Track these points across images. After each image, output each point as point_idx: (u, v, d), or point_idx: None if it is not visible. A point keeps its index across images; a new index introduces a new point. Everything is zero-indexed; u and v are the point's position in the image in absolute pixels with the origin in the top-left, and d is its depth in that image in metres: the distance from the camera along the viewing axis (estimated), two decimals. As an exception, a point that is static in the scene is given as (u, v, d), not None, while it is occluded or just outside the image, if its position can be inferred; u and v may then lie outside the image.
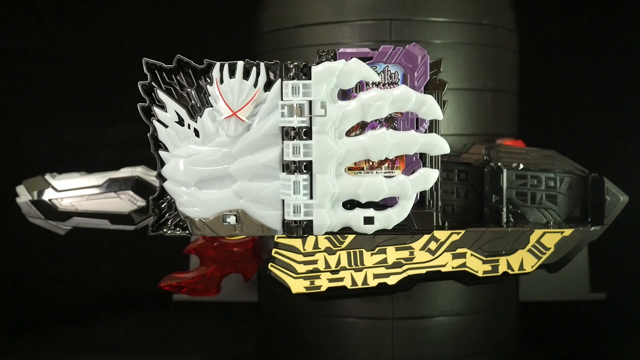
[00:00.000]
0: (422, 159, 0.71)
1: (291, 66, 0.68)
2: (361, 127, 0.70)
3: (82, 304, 1.25)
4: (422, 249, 0.76)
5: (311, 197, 0.69)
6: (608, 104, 1.19)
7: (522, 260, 0.77)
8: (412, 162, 0.71)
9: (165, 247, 0.88)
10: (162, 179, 0.72)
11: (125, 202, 0.85)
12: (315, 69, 0.68)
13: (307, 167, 0.68)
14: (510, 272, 0.77)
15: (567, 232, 0.77)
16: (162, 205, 0.73)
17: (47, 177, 0.88)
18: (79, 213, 0.86)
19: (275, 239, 0.76)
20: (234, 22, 1.16)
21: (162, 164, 0.71)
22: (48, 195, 0.86)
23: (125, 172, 0.87)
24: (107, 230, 0.89)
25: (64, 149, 1.25)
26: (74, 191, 0.86)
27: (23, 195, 0.87)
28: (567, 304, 1.00)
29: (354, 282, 0.77)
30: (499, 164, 0.81)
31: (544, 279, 0.96)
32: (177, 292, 0.84)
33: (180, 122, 0.70)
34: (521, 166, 0.81)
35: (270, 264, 0.77)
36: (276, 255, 0.77)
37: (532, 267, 0.77)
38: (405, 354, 0.90)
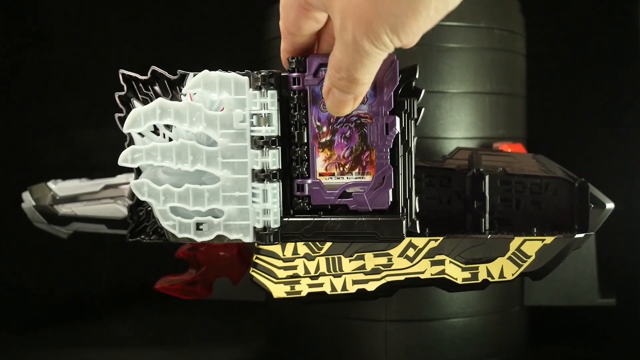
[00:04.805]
0: (393, 164, 0.71)
1: (258, 76, 0.69)
2: (331, 132, 0.71)
3: (87, 301, 1.30)
4: (400, 255, 0.76)
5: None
6: (615, 108, 1.16)
7: (502, 268, 0.76)
8: (382, 167, 0.71)
9: (168, 247, 0.91)
10: (137, 188, 0.73)
11: (121, 207, 0.88)
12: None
13: (275, 175, 0.69)
14: (490, 279, 0.76)
15: (549, 240, 0.75)
16: (141, 213, 0.75)
17: (50, 183, 0.92)
18: (78, 218, 0.89)
19: (255, 245, 0.77)
20: (243, 29, 1.18)
21: (139, 172, 0.73)
22: (49, 201, 0.90)
23: (121, 179, 0.90)
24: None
25: (76, 154, 1.30)
26: (73, 197, 0.90)
27: (27, 201, 0.91)
28: (575, 308, 0.98)
29: (333, 288, 0.78)
30: (481, 169, 0.80)
31: (552, 285, 0.95)
32: (171, 294, 0.87)
33: (156, 131, 0.72)
34: (505, 171, 0.80)
35: (251, 268, 0.79)
36: (257, 261, 0.78)
37: (513, 275, 0.76)
38: (399, 357, 0.91)
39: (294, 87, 0.70)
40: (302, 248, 0.77)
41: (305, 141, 0.70)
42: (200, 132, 0.71)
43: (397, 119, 0.69)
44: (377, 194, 0.70)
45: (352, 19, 0.57)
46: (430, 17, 0.56)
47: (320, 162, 0.71)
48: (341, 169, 0.71)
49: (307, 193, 0.71)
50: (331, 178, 0.71)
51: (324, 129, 0.70)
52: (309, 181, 0.71)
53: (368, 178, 0.71)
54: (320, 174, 0.71)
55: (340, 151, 0.70)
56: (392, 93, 0.70)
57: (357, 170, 0.71)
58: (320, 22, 0.66)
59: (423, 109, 0.74)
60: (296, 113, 0.70)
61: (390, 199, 0.71)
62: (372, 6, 0.55)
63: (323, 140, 0.71)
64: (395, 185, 0.71)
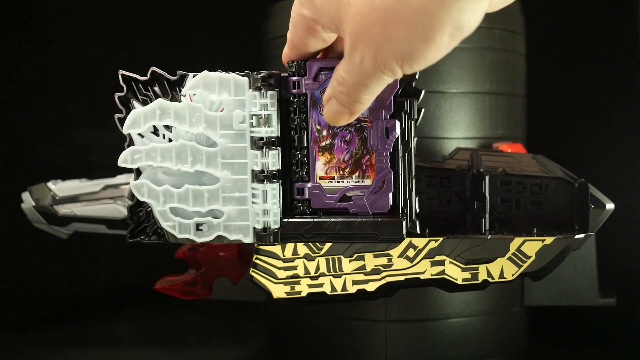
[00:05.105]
0: (393, 168, 0.71)
1: (258, 77, 0.69)
2: (331, 136, 0.71)
3: (87, 301, 1.30)
4: (400, 256, 0.77)
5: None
6: (615, 108, 1.16)
7: (503, 268, 0.76)
8: (382, 171, 0.71)
9: (168, 247, 0.91)
10: (137, 189, 0.73)
11: (121, 207, 0.88)
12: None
13: (275, 176, 0.69)
14: (490, 280, 0.76)
15: (549, 240, 0.75)
16: (140, 213, 0.74)
17: (50, 184, 0.92)
18: (78, 218, 0.89)
19: (255, 245, 0.77)
20: (243, 29, 1.18)
21: (139, 173, 0.73)
22: (49, 201, 0.90)
23: (121, 179, 0.90)
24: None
25: (76, 154, 1.30)
26: (72, 197, 0.90)
27: (27, 202, 0.91)
28: (575, 308, 0.98)
29: (333, 288, 0.78)
30: (481, 170, 0.80)
31: (552, 285, 0.95)
32: (171, 294, 0.87)
33: (156, 132, 0.72)
34: (505, 172, 0.80)
35: (251, 269, 0.79)
36: (257, 261, 0.79)
37: (513, 275, 0.76)
38: (399, 357, 0.91)
39: (294, 90, 0.70)
40: (302, 248, 0.77)
41: (305, 145, 0.70)
42: (200, 133, 0.71)
43: (397, 123, 0.69)
44: (377, 197, 0.70)
45: (363, 42, 0.56)
46: (444, 45, 0.54)
47: (320, 165, 0.71)
48: (341, 172, 0.71)
49: (307, 197, 0.71)
50: (331, 182, 0.71)
51: (324, 132, 0.70)
52: (309, 185, 0.71)
53: (368, 182, 0.71)
54: (320, 178, 0.71)
55: (340, 155, 0.70)
56: (392, 97, 0.70)
57: (357, 173, 0.71)
58: (328, 42, 0.66)
59: (423, 110, 0.74)
60: (296, 117, 0.70)
61: (390, 202, 0.71)
62: (383, 31, 0.54)
63: (323, 144, 0.71)
64: (395, 186, 0.71)
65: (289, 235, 0.72)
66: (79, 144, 1.32)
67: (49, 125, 1.31)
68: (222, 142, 0.69)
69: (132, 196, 0.74)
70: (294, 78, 0.69)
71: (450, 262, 0.76)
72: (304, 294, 0.78)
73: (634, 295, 1.06)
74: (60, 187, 0.91)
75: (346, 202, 0.71)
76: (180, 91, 0.72)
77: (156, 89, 0.73)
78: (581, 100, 1.19)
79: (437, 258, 0.76)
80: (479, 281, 0.76)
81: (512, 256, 0.75)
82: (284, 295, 0.78)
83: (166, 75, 0.72)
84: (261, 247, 0.77)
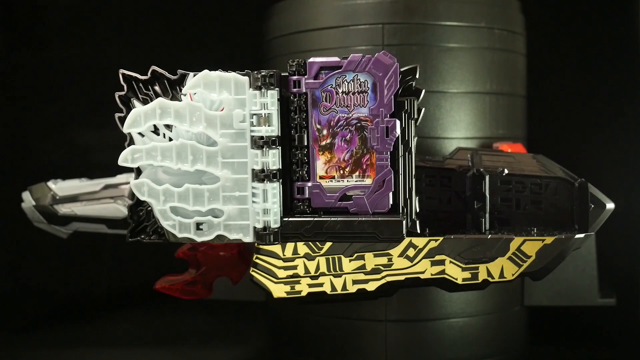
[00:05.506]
0: (393, 167, 0.71)
1: (258, 76, 0.69)
2: (332, 135, 0.71)
3: (87, 301, 1.30)
4: (400, 255, 0.77)
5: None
6: (615, 108, 1.16)
7: (503, 268, 0.76)
8: (383, 170, 0.71)
9: (168, 247, 0.92)
10: (137, 188, 0.73)
11: (121, 207, 0.88)
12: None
13: (275, 175, 0.69)
14: (490, 279, 0.76)
15: (549, 240, 0.75)
16: (141, 213, 0.75)
17: (50, 183, 0.92)
18: (78, 218, 0.89)
19: (255, 245, 0.77)
20: (243, 29, 1.18)
21: (139, 172, 0.73)
22: (49, 201, 0.90)
23: (121, 178, 0.90)
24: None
25: (76, 154, 1.31)
26: (73, 197, 0.90)
27: (27, 201, 0.91)
28: (575, 308, 0.98)
29: (333, 288, 0.78)
30: (482, 169, 0.80)
31: (552, 285, 0.95)
32: (171, 294, 0.87)
33: (156, 131, 0.72)
34: (505, 171, 0.80)
35: (252, 268, 0.79)
36: (257, 261, 0.79)
37: (513, 275, 0.76)
38: (399, 357, 0.91)
39: (294, 89, 0.70)
40: (302, 248, 0.77)
41: (306, 144, 0.70)
42: (200, 132, 0.71)
43: (397, 122, 0.70)
44: (378, 197, 0.71)
45: None
46: None
47: (320, 165, 0.71)
48: (341, 172, 0.71)
49: (307, 196, 0.71)
50: (331, 181, 0.72)
51: (324, 132, 0.70)
52: (309, 184, 0.71)
53: (368, 181, 0.71)
54: (321, 177, 0.72)
55: (341, 154, 0.71)
56: (393, 96, 0.70)
57: (357, 173, 0.71)
58: None
59: (423, 109, 0.74)
60: (296, 116, 0.70)
61: (391, 202, 0.71)
62: None
63: (323, 143, 0.71)
64: (395, 186, 0.71)
65: (289, 235, 0.72)
66: (79, 144, 1.32)
67: (49, 125, 1.31)
68: (223, 141, 0.70)
69: (132, 195, 0.74)
70: (294, 77, 0.70)
71: (451, 262, 0.76)
72: (304, 294, 0.78)
73: (634, 295, 1.06)
74: (60, 187, 0.91)
75: (346, 201, 0.72)
76: (180, 90, 0.72)
77: (157, 88, 0.73)
78: (581, 100, 1.19)
79: (437, 257, 0.76)
80: (479, 281, 0.76)
81: (512, 256, 0.76)
82: (284, 295, 0.78)
83: (166, 74, 0.73)
84: (261, 246, 0.77)
